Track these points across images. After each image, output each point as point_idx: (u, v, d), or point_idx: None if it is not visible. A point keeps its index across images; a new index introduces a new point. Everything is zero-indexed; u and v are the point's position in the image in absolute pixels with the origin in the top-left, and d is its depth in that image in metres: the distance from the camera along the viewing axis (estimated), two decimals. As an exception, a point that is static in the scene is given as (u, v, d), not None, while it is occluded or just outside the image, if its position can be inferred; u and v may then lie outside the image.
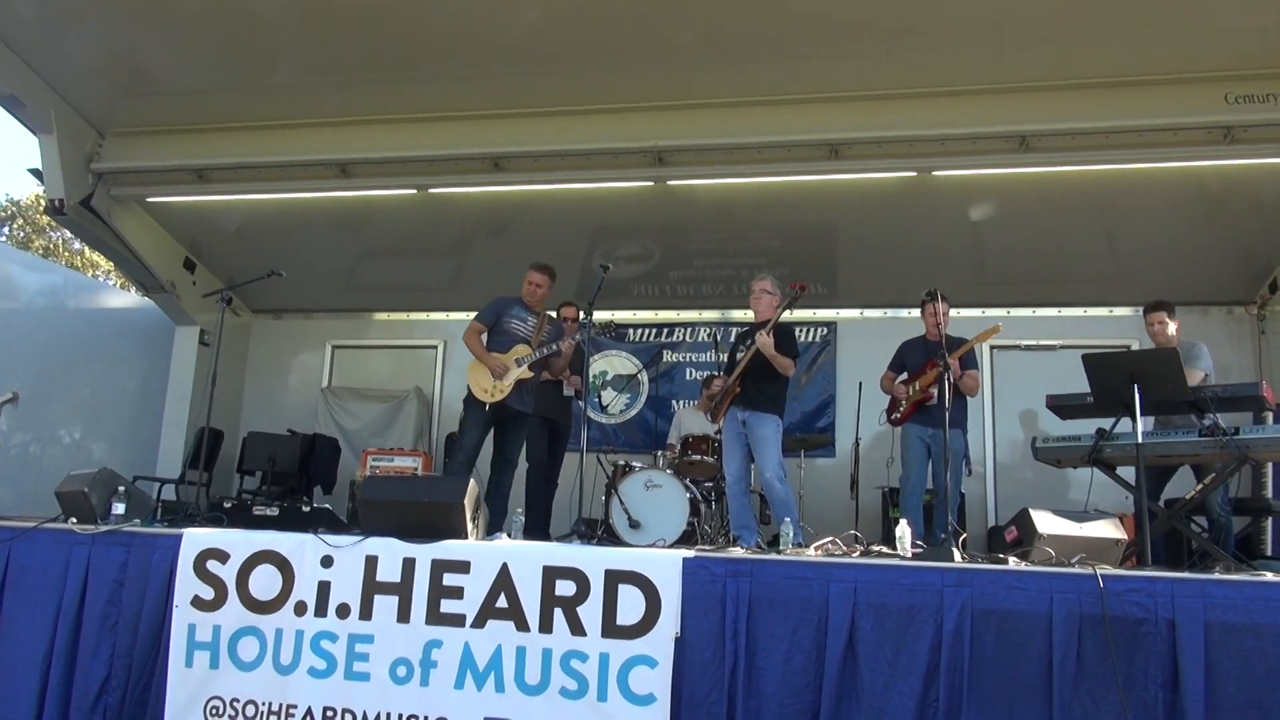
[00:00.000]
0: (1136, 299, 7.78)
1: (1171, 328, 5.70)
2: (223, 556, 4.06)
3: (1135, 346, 7.34)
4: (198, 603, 4.02)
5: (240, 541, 4.09)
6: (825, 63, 6.05)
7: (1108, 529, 4.29)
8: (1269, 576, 3.60)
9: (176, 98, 6.91)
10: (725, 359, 6.10)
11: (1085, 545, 4.09)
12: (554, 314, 6.34)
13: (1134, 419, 4.66)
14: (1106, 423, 5.20)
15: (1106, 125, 6.00)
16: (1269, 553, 6.51)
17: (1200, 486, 5.27)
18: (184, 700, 3.93)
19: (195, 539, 4.11)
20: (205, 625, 3.99)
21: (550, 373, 6.07)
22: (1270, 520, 6.68)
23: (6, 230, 21.45)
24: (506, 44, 6.09)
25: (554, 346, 5.80)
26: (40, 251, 20.03)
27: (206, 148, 7.17)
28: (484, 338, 5.93)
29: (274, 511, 4.67)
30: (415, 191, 7.31)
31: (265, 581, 4.00)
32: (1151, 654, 3.34)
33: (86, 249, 15.28)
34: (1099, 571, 3.43)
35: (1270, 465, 6.42)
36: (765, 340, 5.44)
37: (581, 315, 6.01)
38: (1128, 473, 5.30)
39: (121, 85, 6.84)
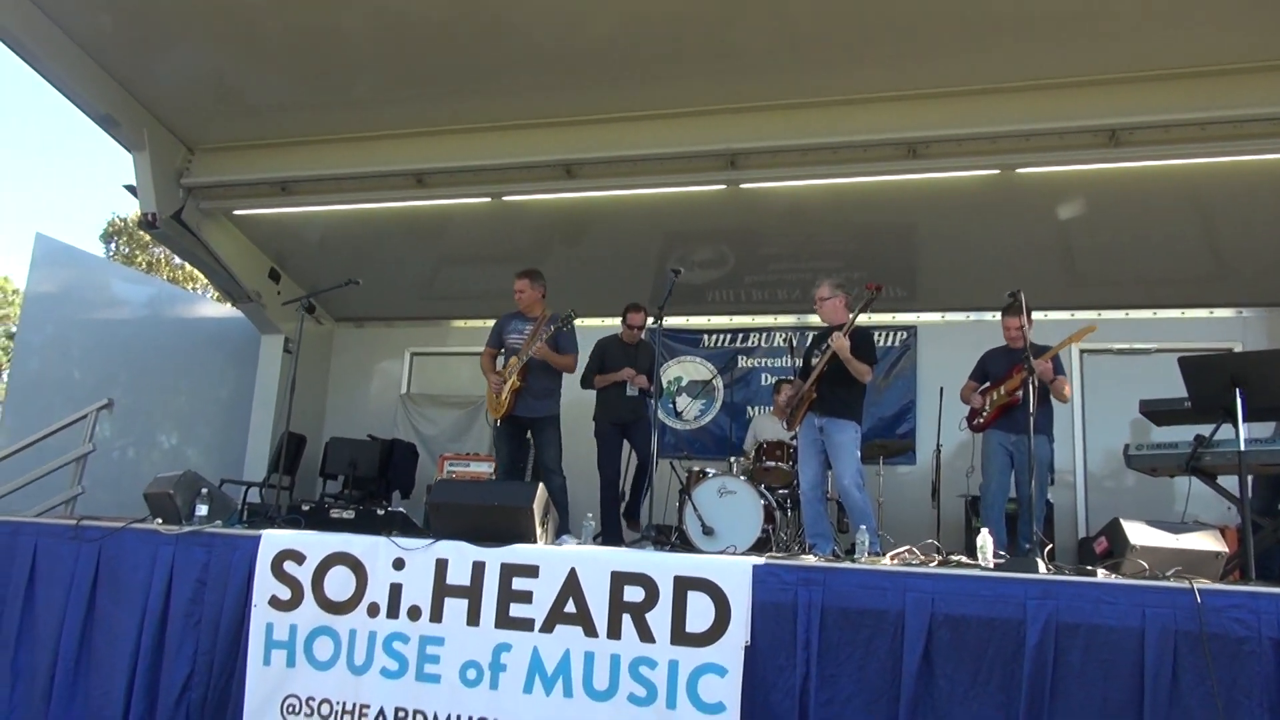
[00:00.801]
0: (1239, 299, 7.42)
1: None
2: (299, 558, 4.15)
3: (1238, 349, 6.96)
4: (275, 602, 4.11)
5: (316, 543, 4.17)
6: (902, 60, 5.90)
7: (1206, 541, 4.04)
8: (1387, 592, 3.34)
9: (261, 114, 7.13)
10: (800, 363, 5.98)
11: (1181, 558, 3.86)
12: (557, 316, 6.12)
13: (1236, 424, 4.40)
14: (1205, 430, 4.93)
15: (1201, 116, 5.69)
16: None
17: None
18: (262, 697, 4.02)
19: (273, 540, 4.21)
20: (283, 625, 4.08)
21: (557, 367, 5.94)
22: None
23: (113, 246, 22.55)
24: (579, 53, 6.11)
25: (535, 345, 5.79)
26: (143, 267, 20.99)
27: (289, 161, 7.38)
28: (498, 360, 6.05)
29: (350, 514, 4.76)
30: (490, 200, 7.39)
31: (340, 582, 4.07)
32: (1255, 675, 3.14)
33: (186, 265, 15.93)
34: (1196, 586, 3.23)
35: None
36: (842, 343, 5.31)
37: (651, 320, 5.98)
38: (1231, 484, 5.01)
39: (209, 103, 7.09)
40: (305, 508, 4.90)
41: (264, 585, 4.14)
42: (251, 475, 8.20)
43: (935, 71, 5.97)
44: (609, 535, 6.07)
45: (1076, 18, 5.40)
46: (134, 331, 8.45)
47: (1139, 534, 4.03)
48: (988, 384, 5.95)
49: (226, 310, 9.39)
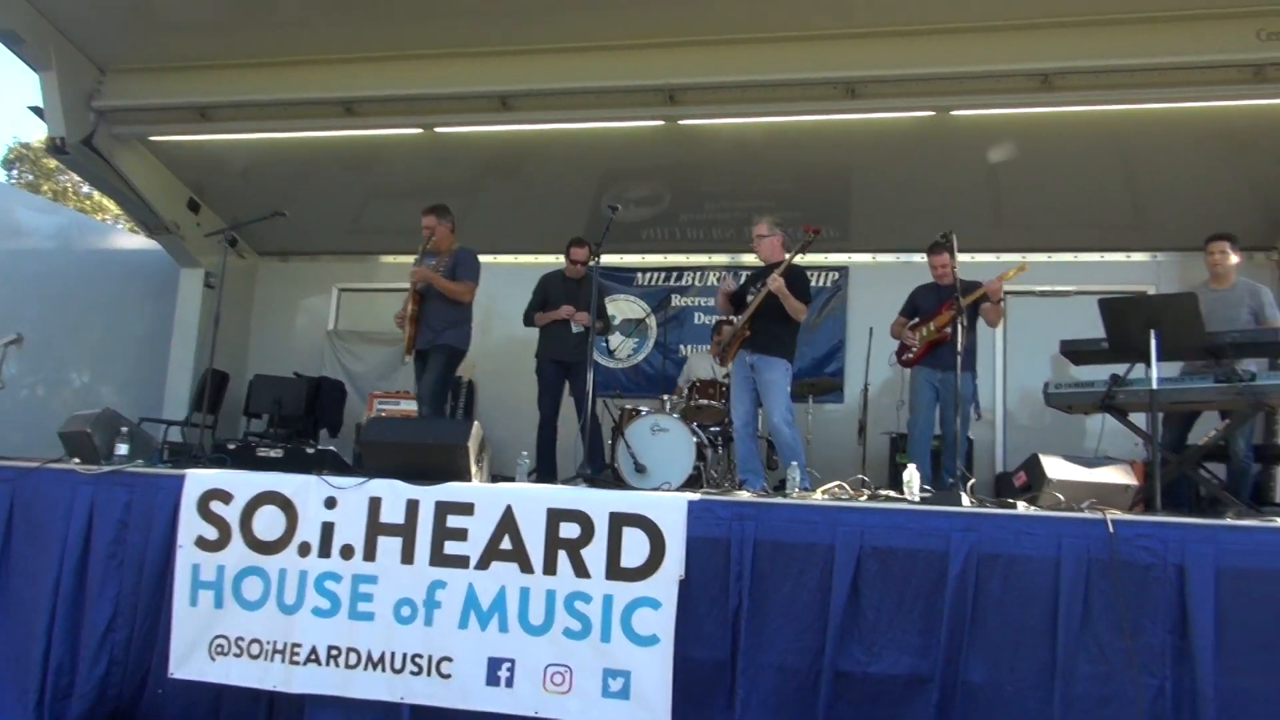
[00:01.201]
0: (1155, 244, 7.67)
1: (1234, 259, 5.57)
2: (226, 497, 4.06)
3: (1153, 292, 7.21)
4: (202, 543, 4.03)
5: (243, 482, 4.08)
6: (841, -3, 5.88)
7: (1117, 474, 4.23)
8: (1281, 522, 3.54)
9: (178, 33, 6.77)
10: (722, 305, 6.04)
11: (1095, 491, 4.03)
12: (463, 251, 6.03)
13: (1149, 365, 4.58)
14: (1121, 369, 5.12)
15: (1131, 63, 5.81)
16: (1278, 499, 6.46)
17: (1211, 433, 5.19)
18: (189, 638, 3.96)
19: (198, 480, 4.11)
20: (209, 565, 4.00)
21: (447, 294, 5.79)
22: (1283, 468, 6.62)
23: (14, 173, 21.37)
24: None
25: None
26: (49, 196, 19.97)
27: (209, 85, 7.05)
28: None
29: (278, 453, 4.66)
30: (421, 131, 7.18)
31: (269, 522, 4.00)
32: (1160, 599, 3.31)
33: (96, 194, 15.20)
34: (1109, 516, 3.38)
35: (1286, 413, 6.35)
36: (779, 281, 5.35)
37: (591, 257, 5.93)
38: (1141, 421, 5.24)
39: (121, 20, 6.70)
40: (231, 446, 4.79)
41: (190, 525, 4.05)
42: (171, 413, 7.97)
43: (874, 10, 5.97)
44: (544, 473, 6.07)
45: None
46: (42, 263, 8.07)
47: (1056, 468, 4.19)
48: (917, 319, 6.06)
49: (142, 242, 9.01)
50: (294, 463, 4.51)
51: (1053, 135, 6.61)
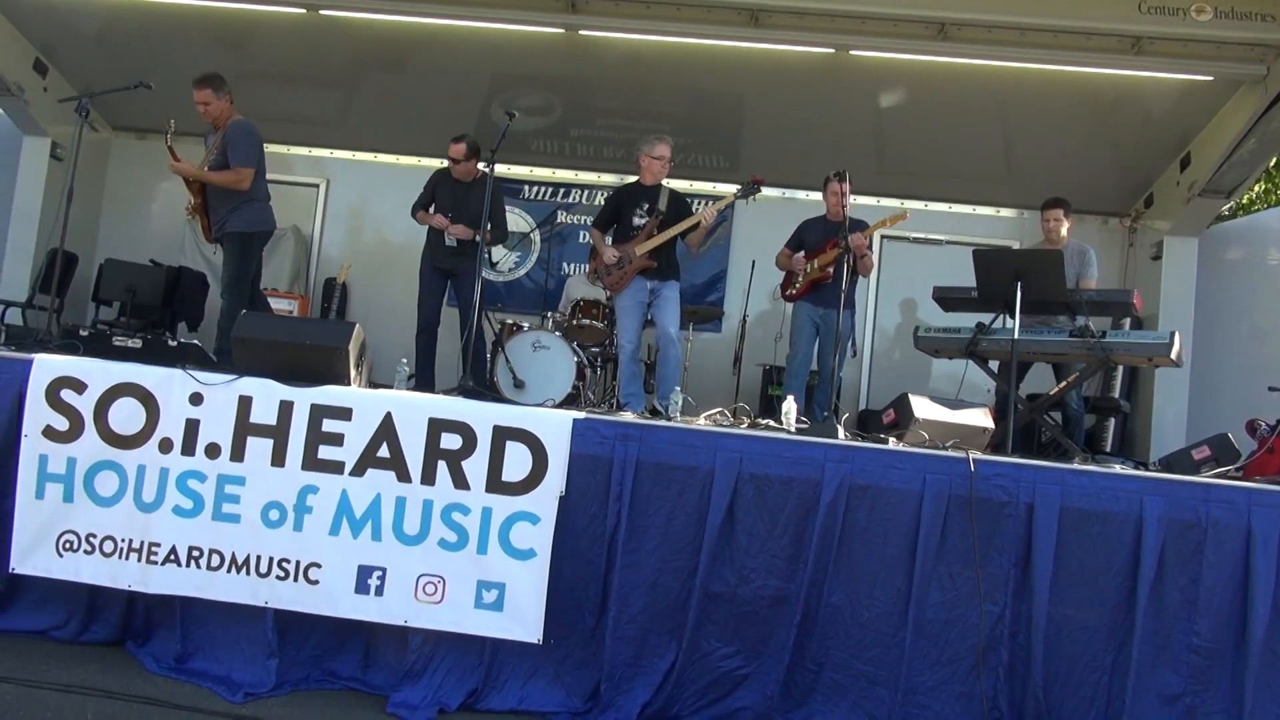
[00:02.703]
0: (1022, 201, 8.02)
1: (1065, 227, 5.90)
2: (79, 386, 3.78)
3: (1017, 246, 7.59)
4: (50, 433, 3.76)
5: (99, 372, 3.81)
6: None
7: (979, 417, 4.49)
8: (1118, 469, 3.86)
9: None
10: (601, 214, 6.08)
11: (957, 431, 4.27)
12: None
13: (1014, 315, 4.85)
14: (985, 317, 5.41)
15: (1023, 21, 6.01)
16: (1109, 449, 7.03)
17: (1063, 384, 5.57)
18: (34, 532, 3.72)
19: (47, 366, 3.81)
20: (59, 457, 3.75)
21: (216, 184, 5.47)
22: (1114, 419, 7.19)
23: None
24: None
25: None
26: None
27: (63, -67, 6.35)
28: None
29: (136, 344, 4.35)
30: (305, 11, 6.70)
31: (127, 415, 3.77)
32: (1009, 534, 3.56)
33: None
34: (972, 455, 3.59)
35: (1121, 368, 6.87)
36: (712, 214, 5.60)
37: (482, 165, 5.74)
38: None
39: None
40: (83, 333, 4.44)
41: (37, 414, 3.76)
42: (10, 294, 7.34)
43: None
44: (422, 382, 5.95)
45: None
46: None
47: (923, 408, 4.40)
48: (802, 253, 6.19)
49: (-24, 103, 8.13)
50: (154, 355, 4.21)
51: (942, 86, 6.77)
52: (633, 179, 6.06)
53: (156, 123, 8.24)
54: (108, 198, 8.61)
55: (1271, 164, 10.89)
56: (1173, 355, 4.95)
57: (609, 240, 5.93)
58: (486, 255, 8.04)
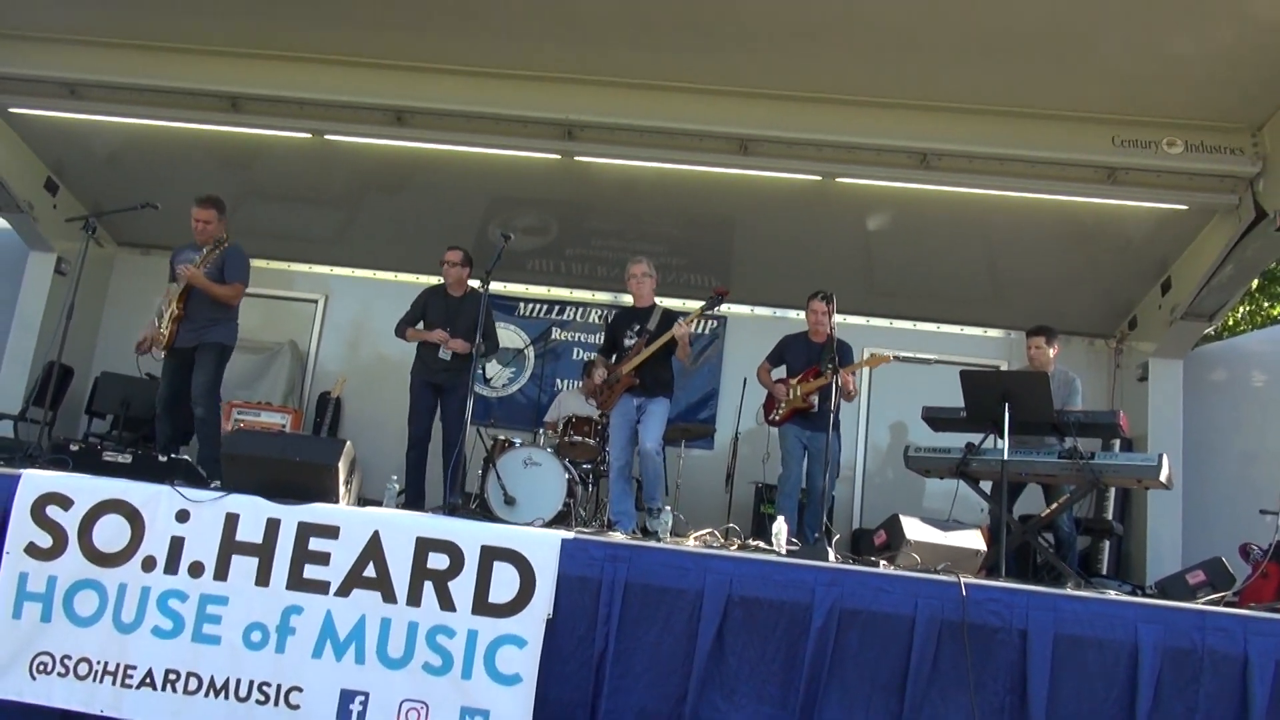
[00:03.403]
0: (1009, 322, 8.17)
1: (1051, 353, 5.97)
2: (65, 502, 3.77)
3: (1005, 367, 7.69)
4: (33, 550, 3.72)
5: (86, 488, 3.81)
6: (741, 56, 6.06)
7: (971, 539, 4.47)
8: (1112, 595, 3.83)
9: (50, 2, 6.35)
10: (603, 340, 6.18)
11: (949, 554, 4.25)
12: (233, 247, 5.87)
13: (1003, 436, 4.88)
14: (974, 437, 5.44)
15: (1002, 152, 6.25)
16: (1104, 572, 6.95)
17: (1055, 505, 5.55)
18: (8, 654, 3.64)
19: (34, 482, 3.81)
20: (39, 575, 3.70)
21: (213, 296, 5.65)
22: (1108, 541, 7.14)
23: None
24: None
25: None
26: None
27: (81, 61, 6.61)
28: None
29: (126, 459, 4.36)
30: (310, 136, 6.95)
31: (112, 533, 3.74)
32: (1002, 661, 3.50)
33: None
34: (963, 580, 3.56)
35: (1113, 490, 6.86)
36: (684, 329, 5.61)
37: (477, 284, 5.85)
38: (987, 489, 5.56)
39: (-14, -20, 6.25)
40: (74, 447, 4.44)
41: (20, 530, 3.73)
42: (4, 405, 7.35)
43: (771, 72, 6.18)
44: (411, 498, 5.91)
45: (906, 44, 5.73)
46: None
47: (914, 529, 4.40)
48: (784, 375, 6.24)
49: (-15, 218, 8.32)
50: (144, 470, 4.22)
51: (926, 211, 7.00)
52: (627, 297, 6.19)
53: (159, 238, 8.51)
54: (108, 310, 8.71)
55: (1254, 286, 11.22)
56: (1161, 477, 4.96)
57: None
58: (480, 370, 8.15)
